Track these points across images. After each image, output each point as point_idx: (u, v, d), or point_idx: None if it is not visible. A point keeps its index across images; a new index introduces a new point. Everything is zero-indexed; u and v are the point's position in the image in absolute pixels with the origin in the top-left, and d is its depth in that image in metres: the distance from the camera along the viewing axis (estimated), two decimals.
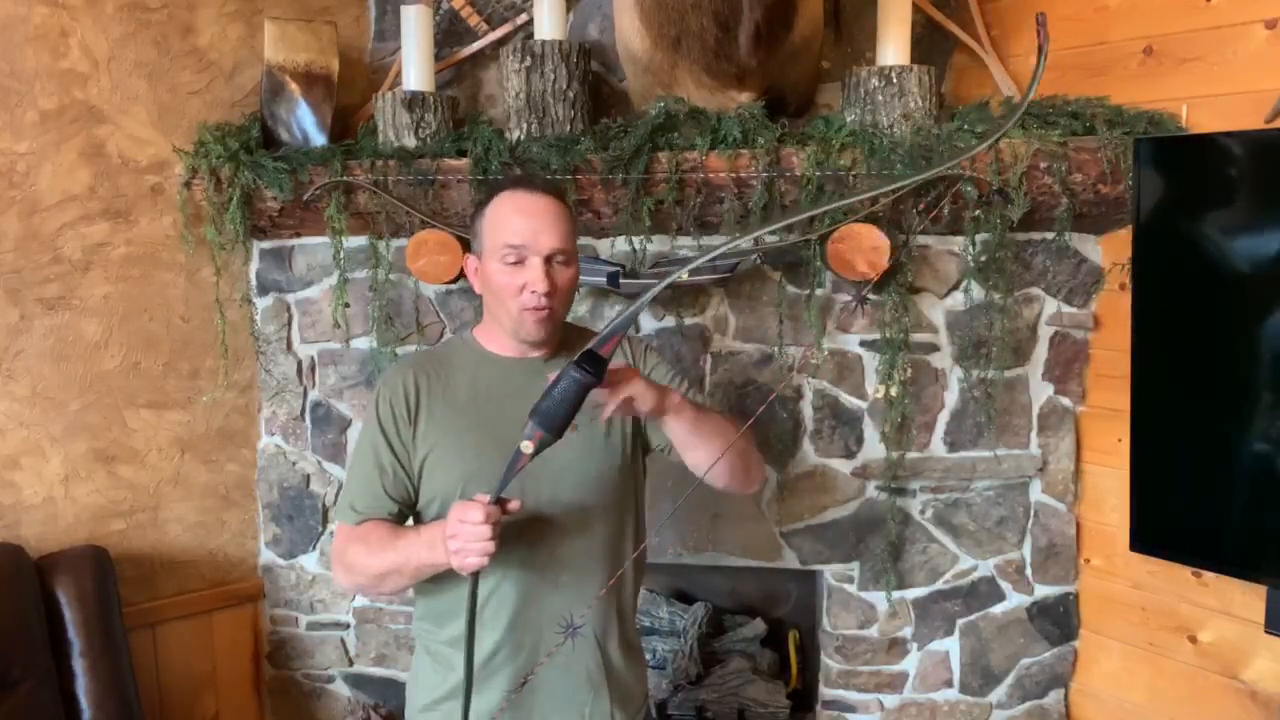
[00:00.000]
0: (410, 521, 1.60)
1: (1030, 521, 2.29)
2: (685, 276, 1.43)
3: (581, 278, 2.14)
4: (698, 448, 1.50)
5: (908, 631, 2.33)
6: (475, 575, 1.36)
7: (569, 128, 2.17)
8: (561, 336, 1.61)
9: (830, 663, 2.37)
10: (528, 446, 1.30)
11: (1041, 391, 2.25)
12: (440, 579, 1.49)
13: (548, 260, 1.48)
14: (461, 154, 2.15)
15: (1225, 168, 1.78)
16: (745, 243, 1.64)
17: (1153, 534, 1.92)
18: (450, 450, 1.52)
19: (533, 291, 1.47)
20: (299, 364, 2.43)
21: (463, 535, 1.33)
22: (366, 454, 1.55)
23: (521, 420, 1.32)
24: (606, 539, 1.56)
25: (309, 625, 2.51)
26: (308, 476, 2.45)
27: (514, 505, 1.37)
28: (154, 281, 2.31)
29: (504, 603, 1.51)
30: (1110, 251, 2.18)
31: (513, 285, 1.48)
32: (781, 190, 2.07)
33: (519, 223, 1.48)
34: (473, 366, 1.57)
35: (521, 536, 1.48)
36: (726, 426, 1.54)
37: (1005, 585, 2.31)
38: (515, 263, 1.48)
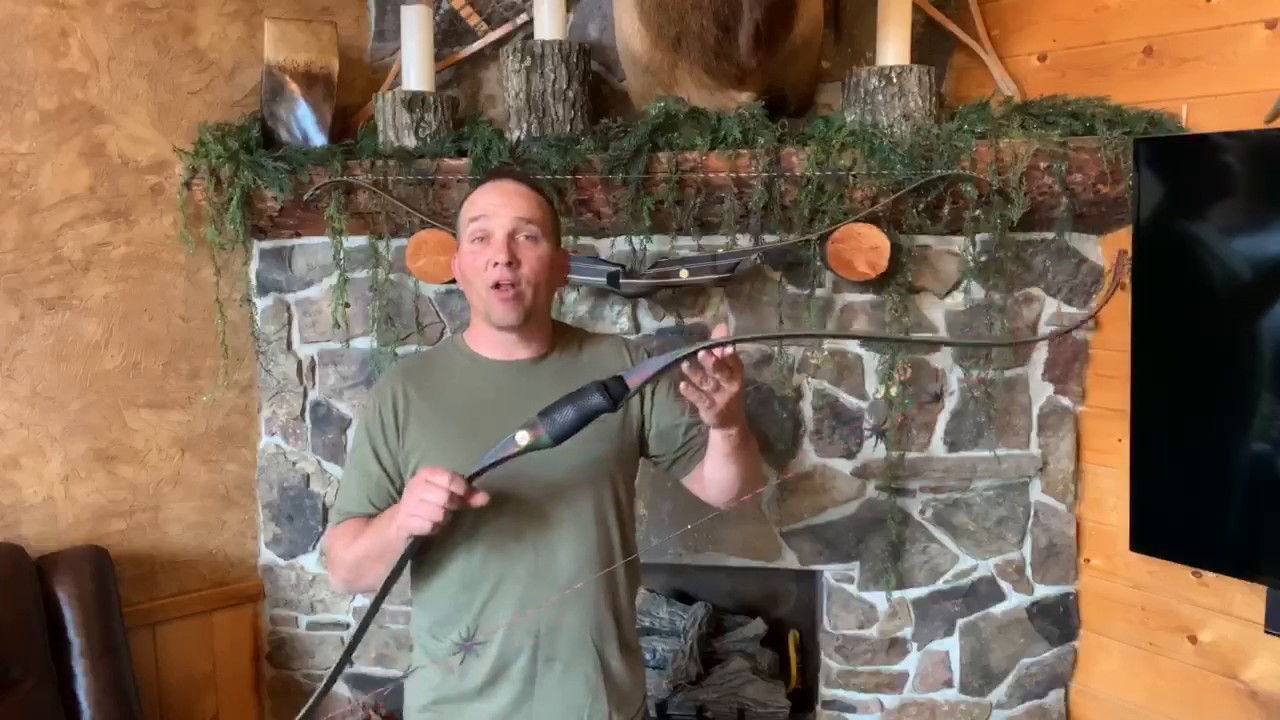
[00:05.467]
0: None
1: (1030, 521, 2.28)
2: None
3: (581, 278, 2.17)
4: (724, 467, 1.48)
5: (908, 631, 2.33)
6: (413, 543, 1.34)
7: (569, 128, 2.17)
8: (550, 335, 1.58)
9: (830, 663, 2.37)
10: (523, 437, 1.27)
11: (1041, 391, 2.25)
12: (439, 589, 1.50)
13: (512, 235, 1.47)
14: (461, 154, 2.15)
15: (1225, 168, 1.77)
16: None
17: (1153, 534, 1.92)
18: (439, 458, 1.48)
19: (495, 263, 1.45)
20: (299, 364, 2.43)
21: (418, 492, 1.30)
22: (356, 461, 1.56)
23: (510, 425, 1.29)
24: (598, 540, 1.53)
25: (309, 625, 2.51)
26: (308, 476, 2.45)
27: (479, 500, 1.33)
28: (154, 281, 2.31)
29: (503, 604, 1.49)
30: (1110, 252, 2.18)
31: (478, 263, 1.48)
32: (782, 190, 2.07)
33: (483, 199, 1.51)
34: (461, 371, 1.56)
35: (520, 540, 1.49)
36: (754, 451, 1.53)
37: (1005, 585, 2.31)
38: (481, 239, 1.48)
